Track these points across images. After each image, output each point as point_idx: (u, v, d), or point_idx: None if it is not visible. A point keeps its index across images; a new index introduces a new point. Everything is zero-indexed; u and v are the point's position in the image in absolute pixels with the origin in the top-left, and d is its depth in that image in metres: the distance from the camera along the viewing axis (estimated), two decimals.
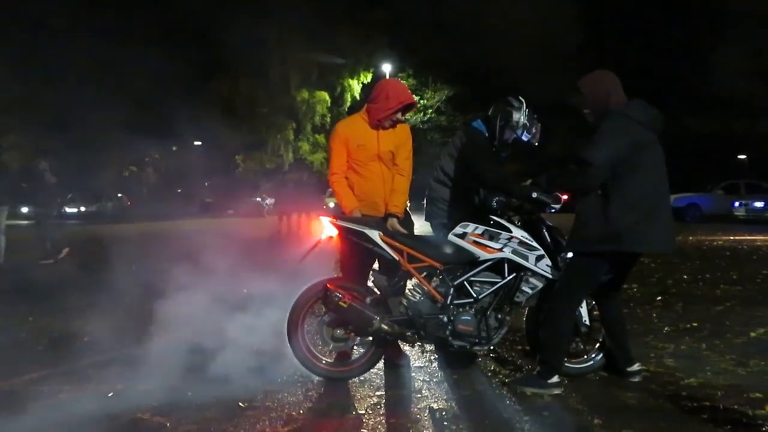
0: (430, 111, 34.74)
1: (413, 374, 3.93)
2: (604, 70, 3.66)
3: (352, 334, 3.75)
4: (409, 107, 4.01)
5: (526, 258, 3.64)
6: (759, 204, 20.22)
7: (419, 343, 4.34)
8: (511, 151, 4.28)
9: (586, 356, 3.84)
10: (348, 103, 30.70)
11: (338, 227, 3.78)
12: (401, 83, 4.24)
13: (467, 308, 3.68)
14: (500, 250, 3.66)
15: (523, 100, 4.14)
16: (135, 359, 4.02)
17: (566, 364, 3.73)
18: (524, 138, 4.12)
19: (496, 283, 3.68)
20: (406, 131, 4.11)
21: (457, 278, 3.69)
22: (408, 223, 4.08)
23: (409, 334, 3.68)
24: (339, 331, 3.74)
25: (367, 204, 4.00)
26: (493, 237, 3.68)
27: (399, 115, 3.97)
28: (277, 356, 4.04)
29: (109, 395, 3.52)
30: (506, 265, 3.67)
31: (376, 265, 4.00)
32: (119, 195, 36.31)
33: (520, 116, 4.08)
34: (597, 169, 3.32)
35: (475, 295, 3.68)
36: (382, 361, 3.95)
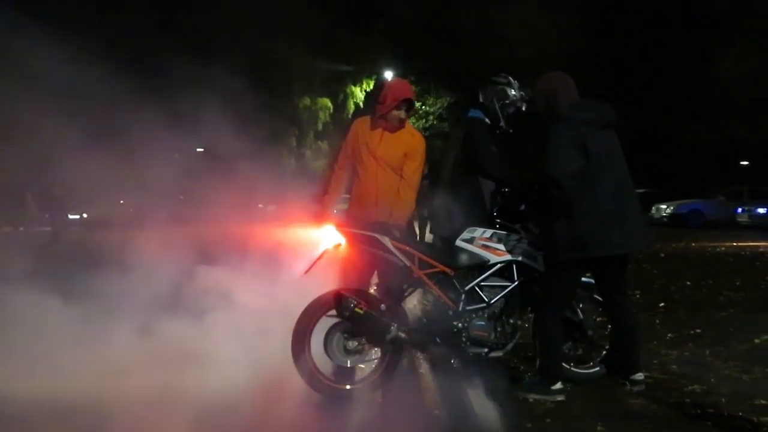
0: (432, 117, 34.76)
1: (416, 382, 3.93)
2: (556, 71, 3.62)
3: (366, 345, 3.59)
4: (409, 104, 3.99)
5: (535, 259, 3.66)
6: (762, 210, 20.17)
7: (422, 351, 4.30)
8: (514, 126, 4.25)
9: (592, 362, 3.85)
10: (351, 110, 30.73)
11: (346, 234, 3.72)
12: (403, 81, 4.30)
13: (480, 313, 3.66)
14: (509, 252, 3.67)
15: (507, 76, 4.18)
16: (135, 370, 3.95)
17: (573, 370, 3.74)
18: (524, 109, 4.17)
19: (507, 286, 3.69)
20: (417, 141, 4.07)
21: (467, 283, 3.69)
22: (411, 234, 4.07)
23: (424, 341, 3.65)
24: (352, 343, 3.56)
25: (359, 205, 4.02)
26: (501, 240, 3.70)
27: (402, 114, 3.97)
28: (281, 368, 3.96)
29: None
30: (515, 268, 3.68)
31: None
32: (121, 201, 36.35)
33: (512, 90, 4.13)
34: (563, 182, 3.32)
35: (487, 300, 3.67)
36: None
